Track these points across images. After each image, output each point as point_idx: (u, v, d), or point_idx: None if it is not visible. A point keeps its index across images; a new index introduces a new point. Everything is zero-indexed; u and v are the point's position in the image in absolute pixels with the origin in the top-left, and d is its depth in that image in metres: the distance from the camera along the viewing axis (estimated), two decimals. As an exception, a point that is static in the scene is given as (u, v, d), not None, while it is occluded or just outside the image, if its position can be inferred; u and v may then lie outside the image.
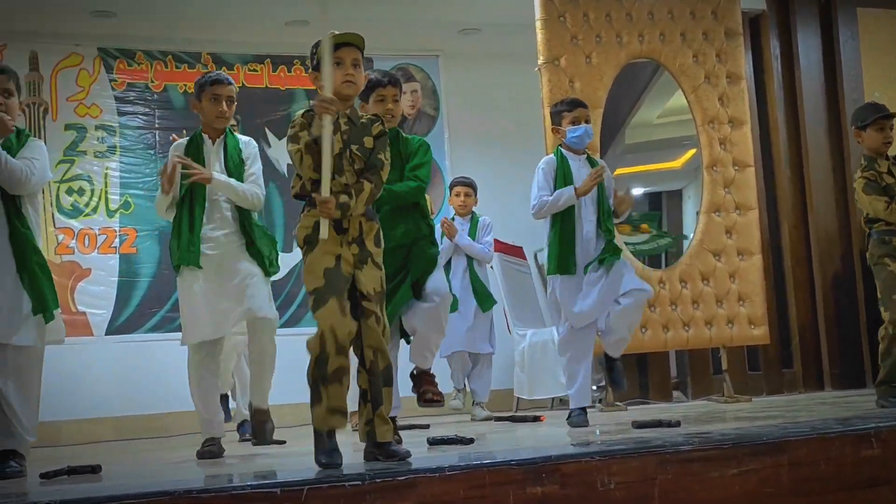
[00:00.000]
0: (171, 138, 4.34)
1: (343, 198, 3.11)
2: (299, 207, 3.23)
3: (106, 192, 7.14)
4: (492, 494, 2.63)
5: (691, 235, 6.49)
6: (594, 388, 5.96)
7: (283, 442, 4.81)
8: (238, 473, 3.55)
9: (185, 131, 4.97)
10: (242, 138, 4.34)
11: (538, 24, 6.09)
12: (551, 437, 4.31)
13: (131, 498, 2.42)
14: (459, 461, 2.79)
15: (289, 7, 6.86)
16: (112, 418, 6.74)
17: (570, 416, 4.64)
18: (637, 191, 7.73)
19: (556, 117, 4.82)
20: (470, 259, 6.19)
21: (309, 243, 3.16)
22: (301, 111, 3.23)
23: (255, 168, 4.25)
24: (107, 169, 7.16)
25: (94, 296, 6.98)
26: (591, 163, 4.75)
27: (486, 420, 5.96)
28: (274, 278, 4.40)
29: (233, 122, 4.51)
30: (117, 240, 7.10)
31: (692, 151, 6.82)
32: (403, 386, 3.95)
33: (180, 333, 4.21)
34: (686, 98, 6.46)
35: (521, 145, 7.30)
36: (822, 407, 4.95)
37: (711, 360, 6.74)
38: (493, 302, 6.21)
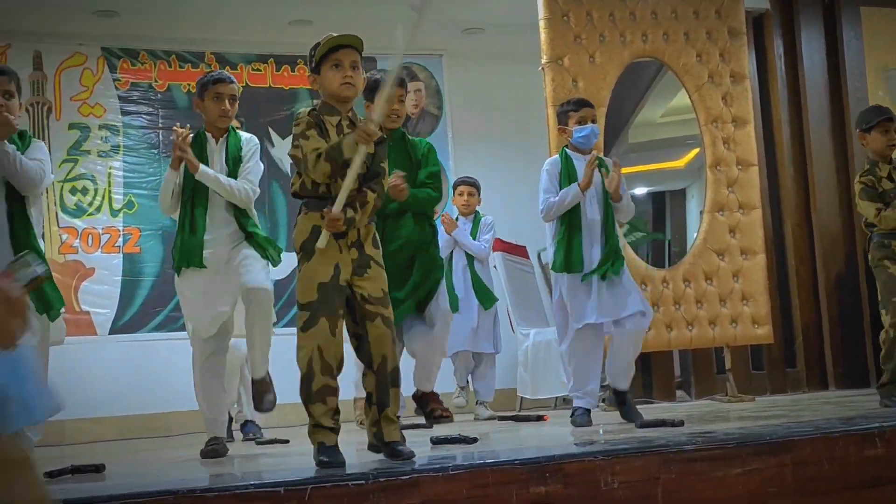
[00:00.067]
0: (174, 126, 4.29)
1: (350, 212, 3.09)
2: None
3: (109, 192, 7.14)
4: (495, 494, 2.63)
5: (695, 235, 6.49)
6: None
7: (287, 441, 4.82)
8: (242, 473, 3.56)
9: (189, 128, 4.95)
10: (244, 135, 4.31)
11: (541, 23, 6.08)
12: (555, 437, 4.31)
13: (135, 497, 2.43)
14: (463, 460, 2.80)
15: (292, 6, 6.86)
16: (116, 418, 6.74)
17: (573, 416, 4.63)
18: (640, 190, 7.73)
19: (563, 117, 4.78)
20: (470, 257, 6.18)
21: (305, 251, 3.15)
22: (306, 109, 3.22)
23: (250, 164, 4.21)
24: (110, 168, 7.15)
25: (98, 295, 6.98)
26: (601, 163, 4.67)
27: (490, 419, 5.94)
28: (276, 278, 4.40)
29: (236, 122, 4.50)
30: (121, 239, 7.10)
31: (695, 151, 6.81)
32: (405, 386, 3.94)
33: (184, 333, 4.21)
34: (689, 97, 6.45)
35: (524, 145, 7.29)
36: (825, 406, 4.95)
37: (715, 360, 6.73)
38: (494, 299, 6.19)
